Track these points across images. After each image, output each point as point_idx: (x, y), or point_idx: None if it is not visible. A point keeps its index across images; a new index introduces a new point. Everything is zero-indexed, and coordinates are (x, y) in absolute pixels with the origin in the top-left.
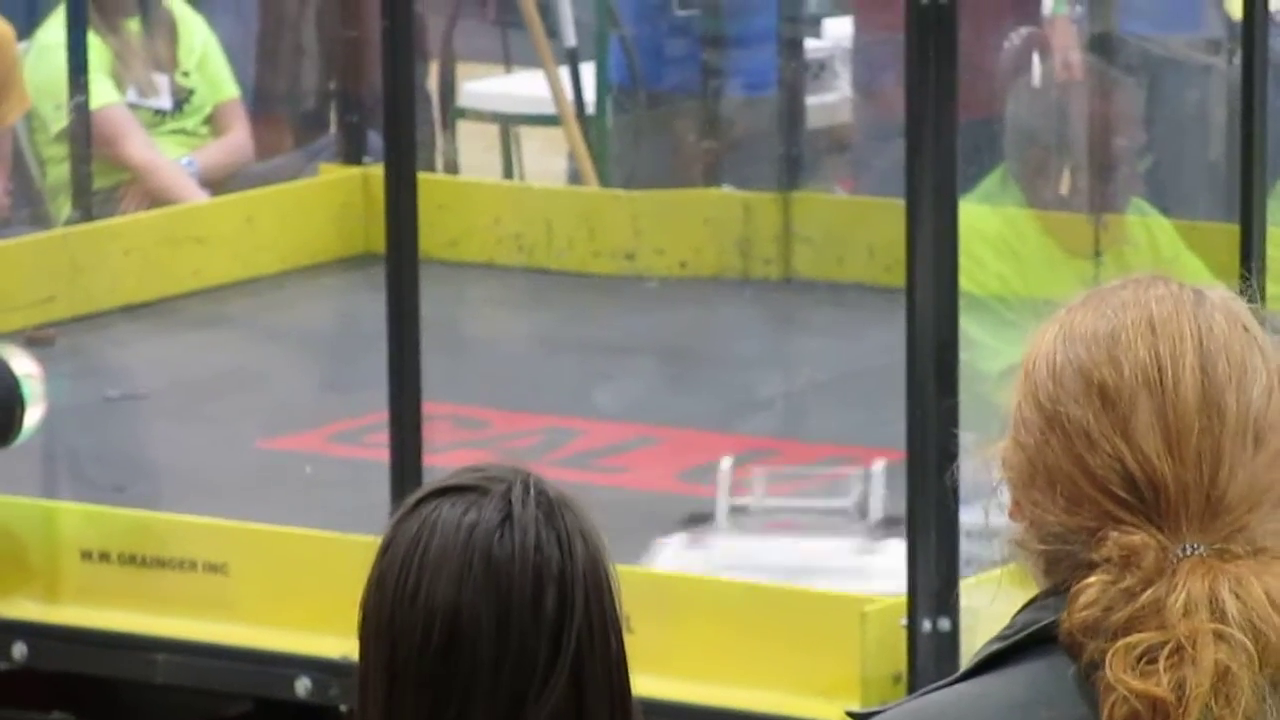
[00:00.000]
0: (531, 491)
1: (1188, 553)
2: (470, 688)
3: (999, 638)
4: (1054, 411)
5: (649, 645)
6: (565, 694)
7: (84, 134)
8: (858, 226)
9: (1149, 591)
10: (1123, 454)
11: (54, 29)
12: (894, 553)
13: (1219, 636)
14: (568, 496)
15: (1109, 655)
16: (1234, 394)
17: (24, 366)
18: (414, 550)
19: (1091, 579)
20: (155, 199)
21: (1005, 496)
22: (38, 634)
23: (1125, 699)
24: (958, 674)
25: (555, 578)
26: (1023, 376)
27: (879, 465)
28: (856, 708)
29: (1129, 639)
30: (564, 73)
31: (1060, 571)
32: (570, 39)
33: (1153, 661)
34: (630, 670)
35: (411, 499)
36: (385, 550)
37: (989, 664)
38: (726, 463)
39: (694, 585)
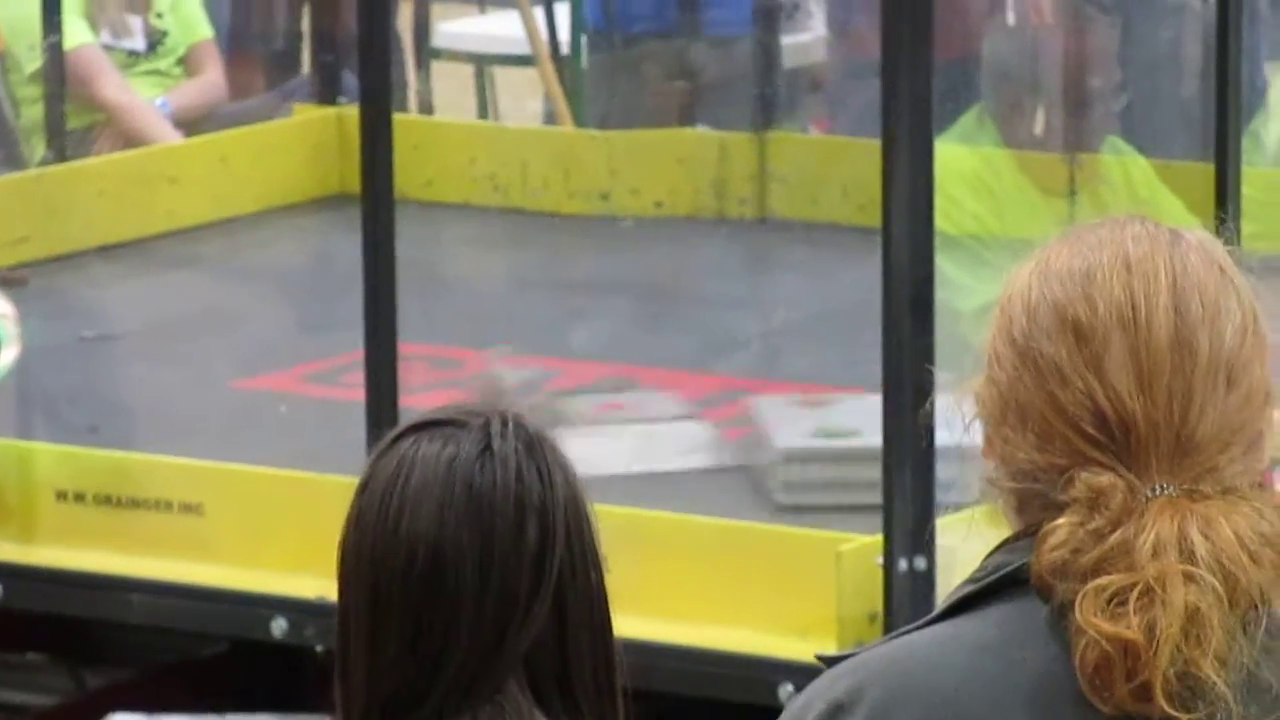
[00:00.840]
0: (510, 425)
1: (1157, 493)
2: (453, 618)
3: (971, 580)
4: (1027, 347)
5: (624, 584)
6: (547, 623)
7: (58, 75)
8: (833, 166)
9: (1117, 533)
10: (1094, 391)
11: None
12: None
13: (1188, 577)
14: (546, 432)
15: (1079, 598)
16: (1207, 334)
17: None
18: (394, 484)
19: (1060, 520)
20: (129, 140)
21: (978, 433)
22: (13, 575)
23: (1096, 642)
24: (930, 616)
25: (537, 507)
26: (998, 312)
27: None
28: (830, 649)
29: (1098, 581)
30: (539, 13)
31: (1031, 512)
32: None
33: (1123, 603)
34: None
35: (390, 435)
36: (364, 487)
37: (961, 606)
38: None
39: (669, 524)
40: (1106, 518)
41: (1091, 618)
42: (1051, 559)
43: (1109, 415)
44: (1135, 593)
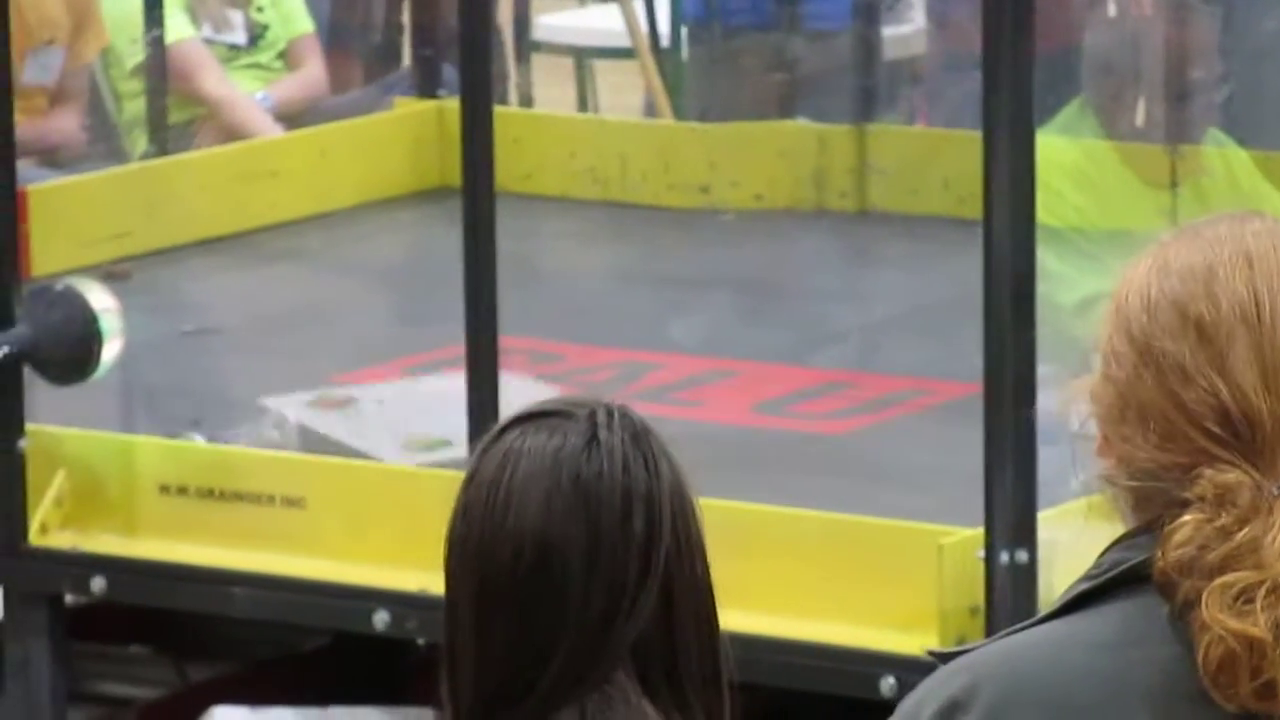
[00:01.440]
0: (616, 416)
1: None
2: (561, 608)
3: (1087, 577)
4: (1147, 345)
5: (725, 578)
6: (654, 614)
7: (159, 69)
8: (933, 159)
9: (1245, 530)
10: (1219, 389)
11: None
12: None
13: None
14: (651, 424)
15: (1204, 594)
16: None
17: (101, 301)
18: (501, 476)
19: (1186, 517)
20: (230, 134)
21: (1093, 431)
22: (116, 568)
23: (1221, 638)
24: (1045, 613)
25: (643, 497)
26: (1114, 310)
27: None
28: (931, 642)
29: (1225, 578)
30: (639, 5)
31: (1150, 509)
32: None
33: (1249, 601)
34: None
35: (495, 428)
36: (471, 479)
37: (1077, 603)
38: None
39: (770, 518)
40: (1234, 515)
41: (1218, 614)
42: (1177, 555)
43: (1234, 413)
44: (1263, 590)
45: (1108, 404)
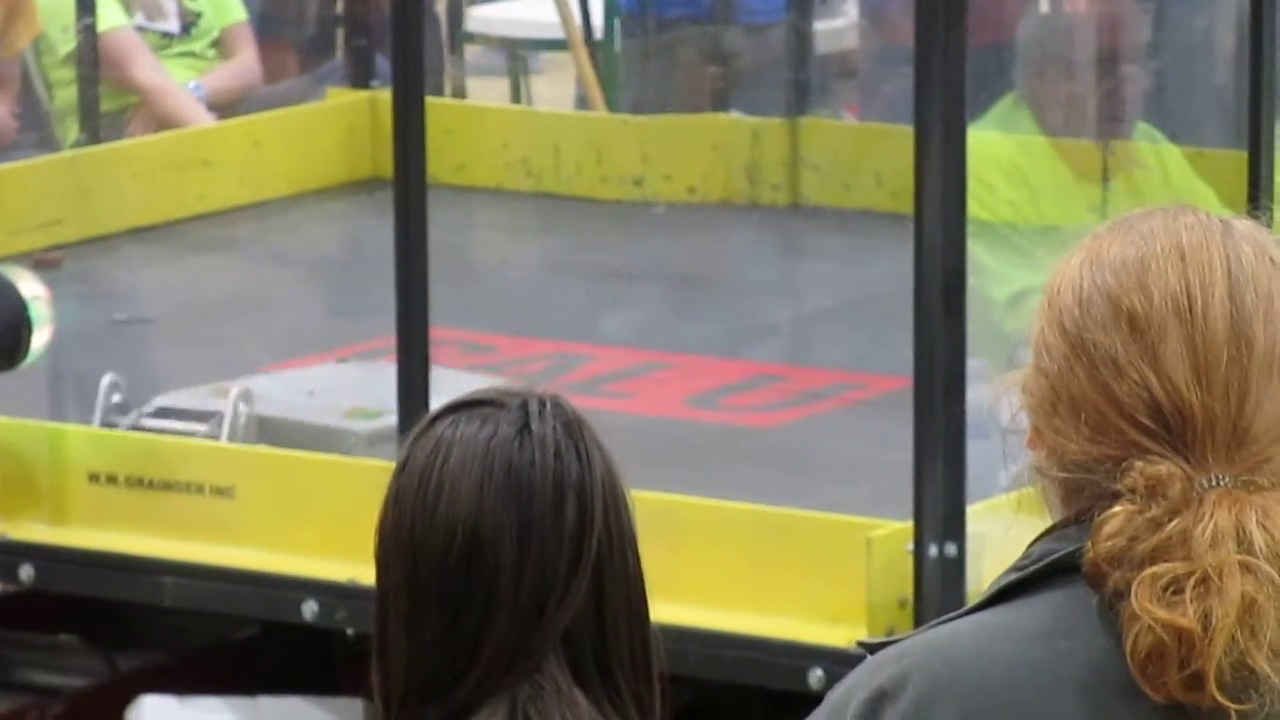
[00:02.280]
0: (548, 406)
1: (1214, 483)
2: (492, 596)
3: (1016, 568)
4: (1079, 338)
5: (655, 570)
6: (586, 602)
7: (92, 57)
8: (865, 153)
9: (1175, 522)
10: (1150, 382)
11: None
12: None
13: (1245, 568)
14: (583, 415)
15: (1134, 585)
16: (1262, 325)
17: (31, 289)
18: (432, 464)
19: (1117, 509)
20: (162, 122)
21: (1024, 424)
22: (45, 556)
23: (1150, 629)
24: (974, 604)
25: (575, 486)
26: (1046, 302)
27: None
28: (860, 635)
29: (1155, 569)
30: None
31: (1080, 500)
32: None
33: (1179, 592)
34: None
35: (427, 417)
36: (402, 468)
37: (1005, 594)
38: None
39: (700, 510)
40: (1164, 507)
41: (1147, 604)
42: (1108, 547)
43: (1165, 406)
44: (1192, 581)
45: (1039, 396)
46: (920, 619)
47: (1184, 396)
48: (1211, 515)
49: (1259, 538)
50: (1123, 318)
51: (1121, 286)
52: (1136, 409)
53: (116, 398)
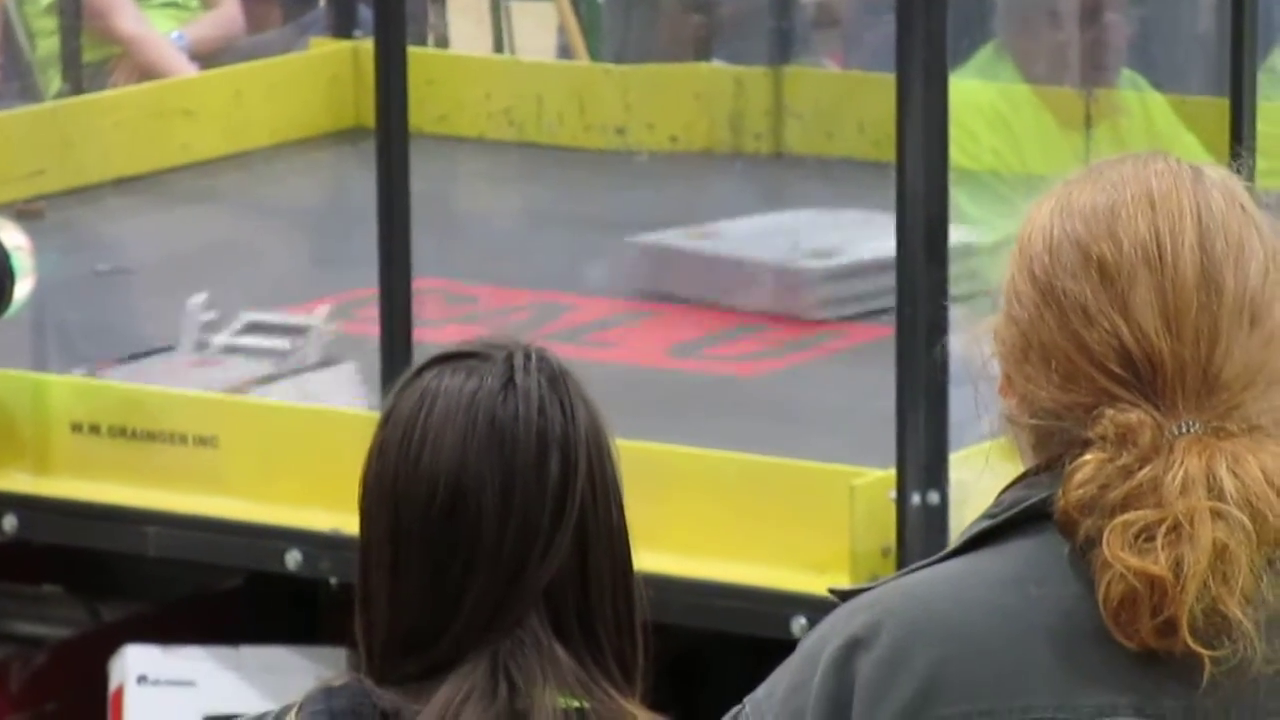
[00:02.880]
0: (533, 358)
1: (1184, 430)
2: (475, 549)
3: (987, 515)
4: (1050, 286)
5: (638, 518)
6: (568, 556)
7: (74, 7)
8: (848, 101)
9: (1146, 469)
10: (1120, 330)
11: None
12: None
13: (1216, 514)
14: (569, 367)
15: (1105, 532)
16: (1232, 272)
17: (13, 239)
18: (416, 416)
19: (1088, 456)
20: (145, 73)
21: (996, 371)
22: (28, 506)
23: (1122, 576)
24: (946, 551)
25: (559, 440)
26: (1017, 250)
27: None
28: (843, 583)
29: (1126, 516)
30: None
31: (1051, 448)
32: None
33: (1150, 539)
34: None
35: (412, 369)
36: (387, 419)
37: (978, 541)
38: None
39: (683, 459)
40: (1135, 454)
41: (1119, 552)
42: (1079, 494)
43: (1135, 354)
44: (1163, 529)
45: (1010, 344)
46: (903, 567)
47: (1154, 344)
48: (1182, 462)
49: (1229, 484)
50: (1092, 265)
51: (1091, 234)
52: (1106, 356)
53: (208, 315)
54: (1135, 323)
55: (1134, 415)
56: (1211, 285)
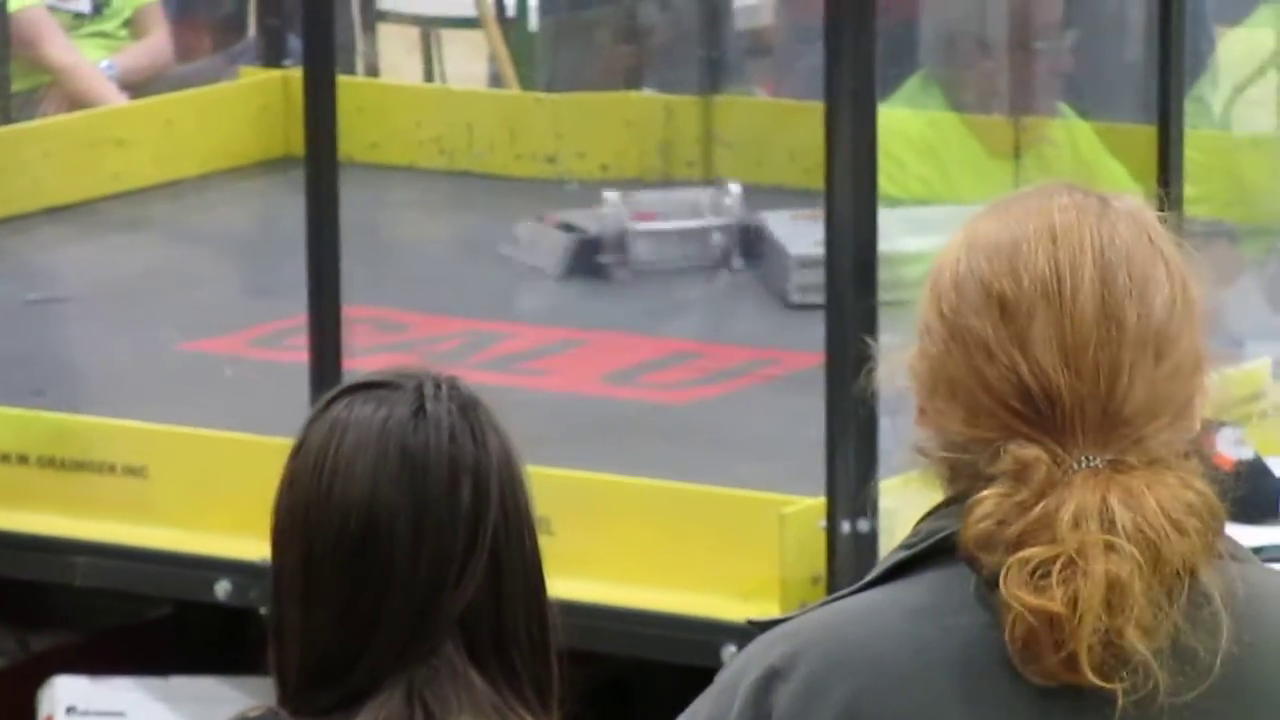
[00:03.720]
0: (444, 387)
1: (1082, 465)
2: (387, 580)
3: (904, 546)
4: (955, 322)
5: (568, 547)
6: (482, 583)
7: (3, 36)
8: (779, 129)
9: (1041, 505)
10: (1019, 366)
11: None
12: None
13: (1109, 547)
14: (479, 396)
15: (1004, 570)
16: (1134, 305)
17: None
18: (327, 446)
19: (987, 492)
20: (75, 102)
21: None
22: None
23: (1023, 615)
24: (863, 581)
25: (470, 468)
26: (928, 286)
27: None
28: (773, 611)
29: (1022, 553)
30: None
31: (962, 480)
32: None
33: (1046, 575)
34: (550, 572)
35: (323, 399)
36: (298, 450)
37: (895, 572)
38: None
39: (614, 487)
40: (1031, 490)
41: (1016, 590)
42: (977, 530)
43: (1034, 390)
44: (1058, 565)
45: (923, 377)
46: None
47: (1051, 380)
48: (1075, 497)
49: (1122, 516)
50: (994, 302)
51: (993, 270)
52: (1007, 393)
53: None
54: (1034, 359)
55: (1031, 451)
56: (1112, 320)
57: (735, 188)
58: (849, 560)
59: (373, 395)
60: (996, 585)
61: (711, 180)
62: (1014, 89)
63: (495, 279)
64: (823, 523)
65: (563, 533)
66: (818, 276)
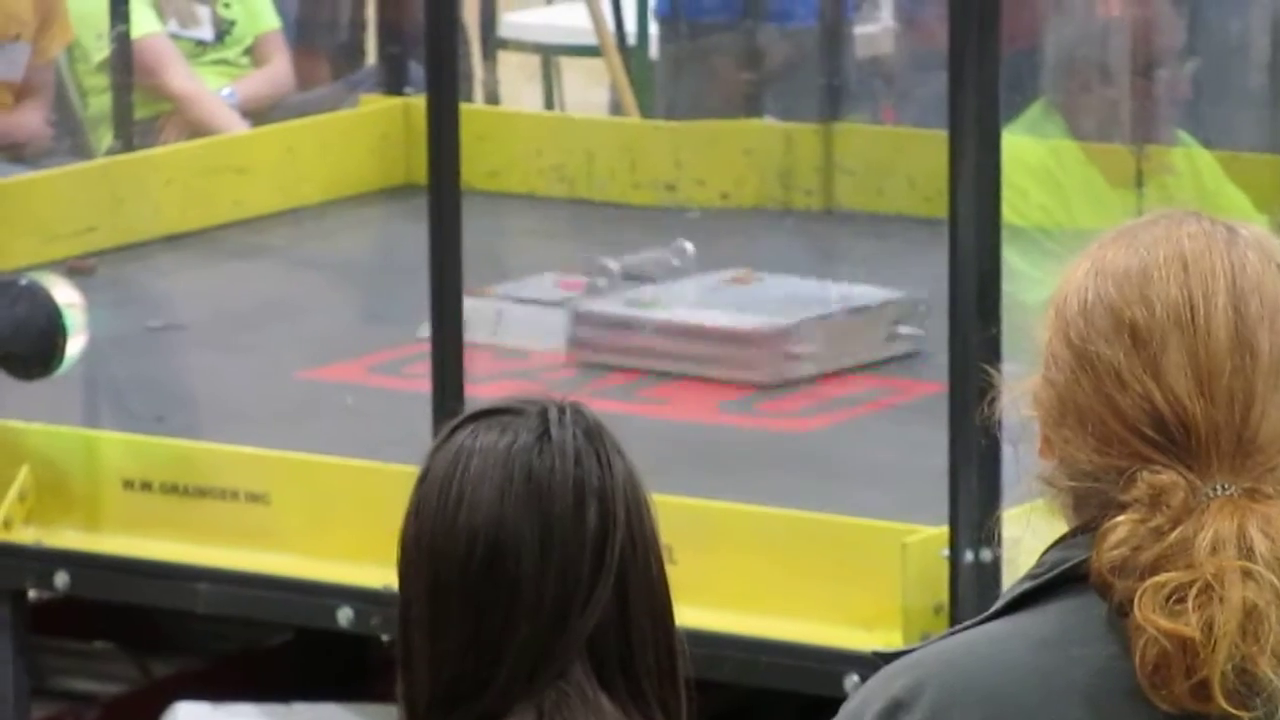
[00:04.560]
0: (568, 412)
1: (1218, 493)
2: (513, 605)
3: (1029, 576)
4: (1084, 350)
5: (689, 575)
6: (609, 608)
7: (125, 64)
8: (899, 157)
9: (1177, 531)
10: (1153, 394)
11: None
12: None
13: (1246, 574)
14: (604, 423)
15: (1138, 595)
16: (1266, 334)
17: (66, 296)
18: (452, 473)
19: (1121, 518)
20: (196, 129)
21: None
22: (80, 563)
23: (1155, 639)
24: (988, 612)
25: (596, 491)
26: (1053, 313)
27: None
28: (895, 641)
29: (1157, 578)
30: (605, 2)
31: (1089, 509)
32: None
33: (1181, 601)
34: (673, 600)
35: (448, 426)
36: (423, 478)
37: (1020, 602)
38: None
39: (735, 516)
40: (1167, 516)
41: (1150, 614)
42: (1111, 556)
43: (1168, 418)
44: (1194, 590)
45: (1048, 406)
46: (955, 625)
47: (1186, 407)
48: (1212, 523)
49: (1260, 544)
50: (1125, 329)
51: (1124, 298)
52: (1140, 420)
53: None
54: (1168, 386)
55: (1167, 477)
56: (1245, 348)
57: None
58: (971, 590)
59: (497, 422)
60: (1127, 613)
61: (831, 209)
62: (1134, 117)
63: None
64: (945, 552)
65: (685, 561)
66: None
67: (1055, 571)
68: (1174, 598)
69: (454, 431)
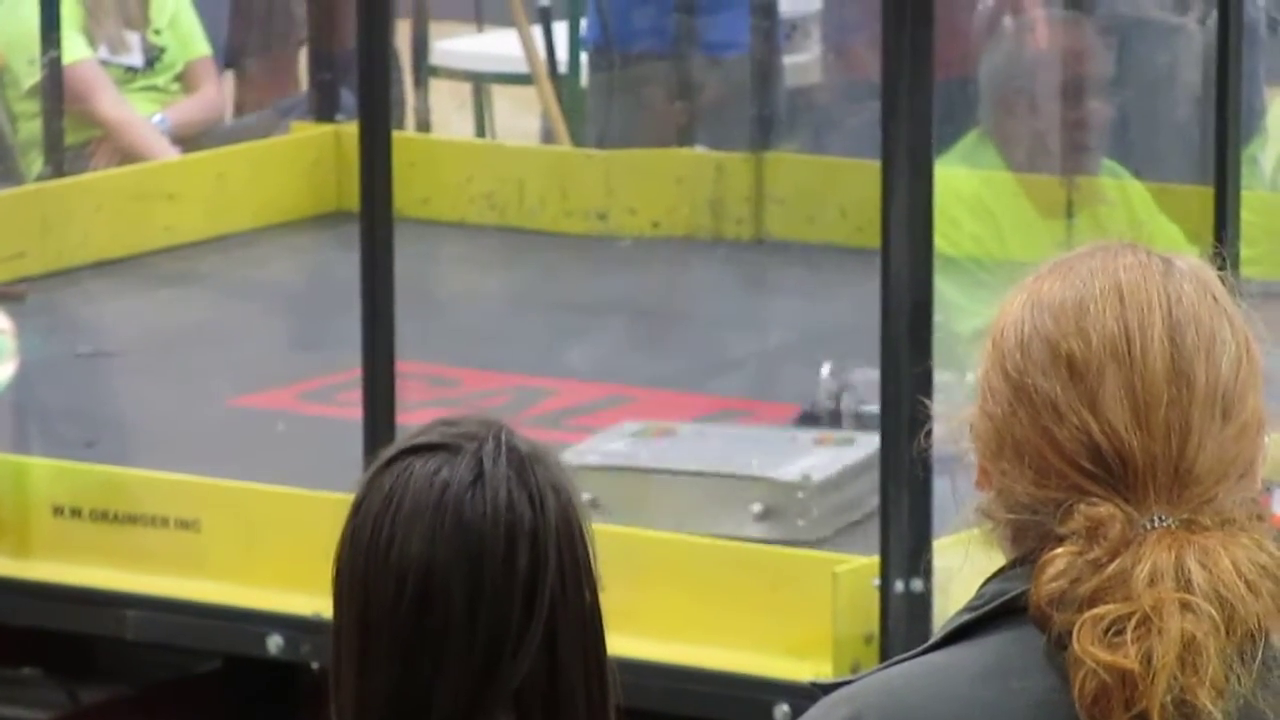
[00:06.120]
0: (503, 448)
1: (1155, 524)
2: (444, 645)
3: (968, 608)
4: (1021, 383)
5: (619, 604)
6: (538, 654)
7: (56, 90)
8: (830, 187)
9: (1115, 563)
10: (1090, 426)
11: None
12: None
13: (1185, 606)
14: (540, 449)
15: (1076, 627)
16: (1203, 365)
17: None
18: (386, 507)
19: (1059, 550)
20: (126, 155)
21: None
22: (8, 589)
23: (1094, 671)
24: (927, 644)
25: (528, 534)
26: (990, 345)
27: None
28: (826, 670)
29: (1095, 610)
30: (537, 31)
31: (1027, 541)
32: None
33: (1120, 633)
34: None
35: (384, 456)
36: (358, 507)
37: (959, 634)
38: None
39: (666, 544)
40: (1104, 548)
41: (1089, 647)
42: (1050, 589)
43: (1105, 450)
44: (1132, 622)
45: (985, 438)
46: (886, 655)
47: (1123, 439)
48: (1150, 555)
49: (1198, 576)
50: (1061, 362)
51: (1060, 330)
52: (1077, 453)
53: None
54: (1105, 419)
55: (1104, 509)
56: (1182, 379)
57: None
58: (902, 620)
59: (433, 456)
60: (1066, 645)
61: (761, 238)
62: (1067, 148)
63: (545, 335)
64: (876, 581)
65: (613, 590)
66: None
67: (994, 603)
68: (1113, 630)
69: (390, 463)
